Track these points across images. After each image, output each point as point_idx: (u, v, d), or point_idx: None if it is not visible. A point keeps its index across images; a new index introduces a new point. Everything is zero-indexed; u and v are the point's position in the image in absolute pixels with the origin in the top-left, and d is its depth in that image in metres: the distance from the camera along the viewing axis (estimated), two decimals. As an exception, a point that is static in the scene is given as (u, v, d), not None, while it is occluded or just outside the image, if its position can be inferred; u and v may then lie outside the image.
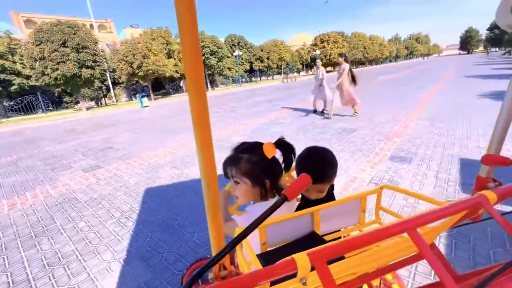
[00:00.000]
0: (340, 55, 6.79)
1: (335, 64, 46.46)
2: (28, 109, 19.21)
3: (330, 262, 0.45)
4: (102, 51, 17.93)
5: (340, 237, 0.84)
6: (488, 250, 1.84)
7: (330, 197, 1.04)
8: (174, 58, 27.59)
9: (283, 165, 0.92)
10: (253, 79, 39.28)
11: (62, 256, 2.23)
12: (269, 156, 0.83)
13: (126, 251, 2.21)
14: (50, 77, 15.13)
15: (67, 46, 15.15)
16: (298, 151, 0.96)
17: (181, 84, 28.37)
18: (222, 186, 0.88)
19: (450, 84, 12.19)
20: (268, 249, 0.70)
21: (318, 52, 40.79)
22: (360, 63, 54.96)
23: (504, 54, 56.88)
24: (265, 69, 37.19)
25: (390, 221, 0.46)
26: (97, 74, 16.86)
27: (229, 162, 0.91)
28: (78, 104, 20.04)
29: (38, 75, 15.19)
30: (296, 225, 0.75)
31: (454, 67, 25.66)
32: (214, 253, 0.50)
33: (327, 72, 46.30)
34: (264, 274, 0.37)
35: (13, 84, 18.01)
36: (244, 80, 37.57)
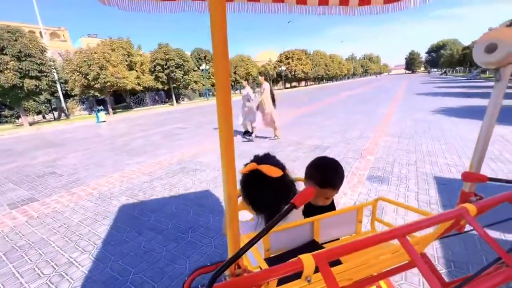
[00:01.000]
0: (260, 73, 6.31)
1: (299, 80, 48.68)
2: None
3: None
4: (52, 61, 16.11)
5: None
6: (481, 256, 1.95)
7: (332, 204, 1.13)
8: (136, 70, 26.20)
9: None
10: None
11: None
12: (276, 175, 0.81)
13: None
14: (-17, 88, 13.01)
15: (5, 54, 13.27)
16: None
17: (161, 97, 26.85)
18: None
19: (406, 101, 13.23)
20: (271, 255, 0.76)
21: (283, 67, 42.33)
22: (322, 79, 58.38)
23: (441, 74, 65.66)
24: (233, 83, 37.29)
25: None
26: (44, 86, 15.00)
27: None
28: (20, 119, 17.55)
29: (-33, 86, 12.96)
30: (297, 233, 0.82)
31: (404, 85, 28.43)
32: (230, 255, 0.53)
33: (291, 87, 48.58)
34: (276, 271, 0.42)
35: None
36: (211, 93, 37.10)
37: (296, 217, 0.93)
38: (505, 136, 5.12)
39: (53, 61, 16.56)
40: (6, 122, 19.37)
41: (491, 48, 0.64)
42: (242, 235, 0.65)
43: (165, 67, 22.28)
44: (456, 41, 76.20)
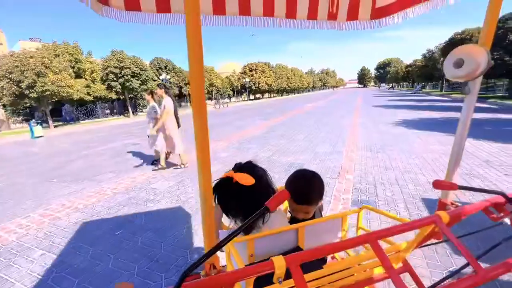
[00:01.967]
0: (159, 85, 4.95)
1: (263, 92, 49.30)
2: None
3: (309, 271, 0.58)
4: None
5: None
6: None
7: (319, 215, 1.19)
8: (86, 79, 23.59)
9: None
10: (183, 103, 37.38)
11: None
12: (248, 183, 0.83)
13: None
14: None
15: None
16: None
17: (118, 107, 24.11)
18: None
19: (366, 113, 13.80)
20: (255, 262, 0.78)
21: (247, 79, 42.51)
22: (284, 91, 60.20)
23: (389, 88, 73.22)
24: (196, 94, 35.99)
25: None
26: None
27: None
28: None
29: None
30: (282, 239, 0.84)
31: (360, 98, 30.46)
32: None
33: (255, 99, 48.70)
34: (247, 271, 0.43)
35: None
36: (173, 104, 35.26)
37: (282, 225, 0.93)
38: (467, 148, 5.23)
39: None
40: None
41: (458, 63, 0.69)
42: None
43: (119, 75, 20.31)
44: (398, 59, 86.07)
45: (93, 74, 23.17)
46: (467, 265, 0.49)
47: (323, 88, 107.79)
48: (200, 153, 0.52)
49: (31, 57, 14.81)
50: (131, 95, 23.52)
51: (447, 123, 9.09)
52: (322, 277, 0.64)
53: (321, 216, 1.14)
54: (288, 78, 55.90)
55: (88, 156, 7.25)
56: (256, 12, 1.32)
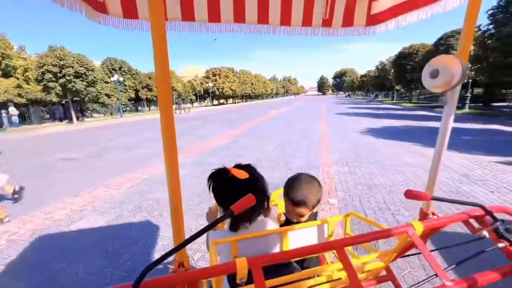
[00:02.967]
0: None
1: (227, 97, 48.34)
2: None
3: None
4: None
5: (305, 259, 0.98)
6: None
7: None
8: (17, 78, 20.02)
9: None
10: (140, 108, 34.43)
11: None
12: (242, 177, 0.85)
13: None
14: None
15: None
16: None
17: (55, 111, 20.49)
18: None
19: (331, 121, 13.84)
20: None
21: (211, 84, 41.22)
22: (249, 97, 60.11)
23: (346, 96, 78.44)
24: (154, 98, 33.53)
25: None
26: None
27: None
28: None
29: None
30: (267, 242, 0.88)
31: (322, 105, 31.46)
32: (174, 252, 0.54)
33: (219, 104, 47.27)
34: (210, 271, 0.43)
35: None
36: (128, 109, 32.21)
37: (270, 228, 0.95)
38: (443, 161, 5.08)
39: None
40: None
41: (434, 74, 0.70)
42: (211, 240, 0.77)
43: (59, 75, 17.49)
44: (353, 70, 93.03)
45: (27, 73, 19.78)
46: (435, 275, 0.51)
47: (286, 95, 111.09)
48: (167, 152, 0.54)
49: None
50: (77, 98, 20.55)
51: (409, 132, 9.34)
52: (290, 282, 0.66)
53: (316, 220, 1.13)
54: (252, 84, 55.94)
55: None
56: (251, 20, 1.32)
